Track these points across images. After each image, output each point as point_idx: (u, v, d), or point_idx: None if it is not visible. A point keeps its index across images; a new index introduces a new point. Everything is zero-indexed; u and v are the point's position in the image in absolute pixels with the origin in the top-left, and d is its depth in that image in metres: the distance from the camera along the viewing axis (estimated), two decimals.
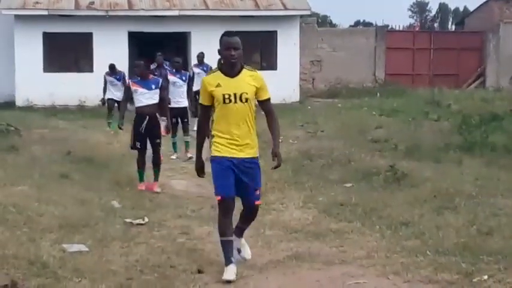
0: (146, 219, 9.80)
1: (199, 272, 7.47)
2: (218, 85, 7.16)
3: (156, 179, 12.70)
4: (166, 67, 22.11)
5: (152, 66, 20.60)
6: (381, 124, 19.79)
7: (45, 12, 28.47)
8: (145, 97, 12.48)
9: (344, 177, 12.94)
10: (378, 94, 30.67)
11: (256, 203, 7.53)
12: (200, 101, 7.36)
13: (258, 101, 7.34)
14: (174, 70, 17.05)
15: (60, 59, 28.97)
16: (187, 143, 16.43)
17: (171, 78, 16.38)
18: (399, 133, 17.64)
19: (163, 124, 12.97)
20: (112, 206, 10.73)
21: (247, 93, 7.16)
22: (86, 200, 10.82)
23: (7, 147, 14.97)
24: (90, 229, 9.07)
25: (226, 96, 7.14)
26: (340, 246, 8.66)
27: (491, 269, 7.34)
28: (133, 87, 12.61)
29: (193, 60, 23.77)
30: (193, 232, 9.30)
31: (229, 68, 7.20)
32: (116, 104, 21.10)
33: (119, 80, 21.72)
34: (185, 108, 16.49)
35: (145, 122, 12.46)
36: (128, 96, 12.96)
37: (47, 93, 27.77)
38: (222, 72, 7.26)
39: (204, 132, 7.52)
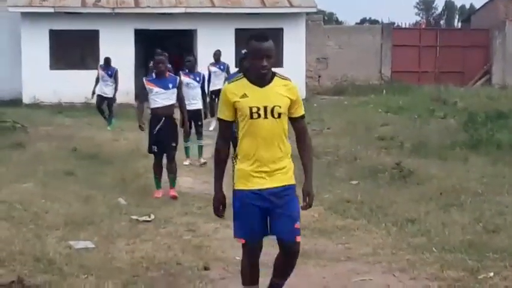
0: (152, 216, 9.80)
1: (206, 269, 7.47)
2: (244, 95, 5.69)
3: (172, 185, 11.73)
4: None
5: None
6: (387, 121, 19.80)
7: (52, 10, 28.49)
8: (162, 97, 11.47)
9: (350, 174, 12.95)
10: (384, 91, 30.62)
11: (297, 239, 5.86)
12: (219, 116, 5.84)
13: (290, 118, 5.81)
14: (186, 70, 15.48)
15: (67, 57, 28.98)
16: (200, 148, 15.30)
17: (184, 79, 14.51)
18: (405, 130, 17.64)
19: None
20: (118, 203, 10.74)
21: (280, 107, 5.67)
22: (91, 197, 10.84)
23: (13, 144, 15.02)
24: (95, 226, 9.09)
25: (254, 110, 5.65)
26: (346, 243, 8.67)
27: (497, 266, 7.34)
28: (148, 86, 11.49)
29: (200, 58, 23.78)
30: (200, 229, 9.30)
31: (258, 78, 5.74)
32: (106, 102, 21.16)
33: (110, 75, 21.05)
34: (199, 110, 15.28)
35: (161, 123, 11.50)
36: (144, 96, 11.83)
37: (53, 90, 27.76)
38: (248, 79, 5.80)
39: (224, 156, 5.90)
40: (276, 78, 5.78)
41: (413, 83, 32.87)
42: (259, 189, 5.71)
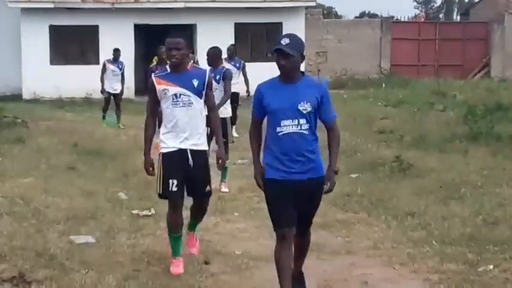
0: (153, 211, 9.80)
1: (206, 263, 7.50)
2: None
3: (193, 228, 7.87)
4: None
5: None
6: (387, 115, 19.81)
7: (51, 5, 28.49)
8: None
9: (350, 168, 12.95)
10: (384, 85, 30.62)
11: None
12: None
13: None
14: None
15: (67, 52, 29.03)
16: (225, 170, 11.10)
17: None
18: (405, 124, 17.66)
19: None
20: (119, 197, 10.74)
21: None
22: (92, 192, 10.83)
23: (14, 139, 15.00)
24: (97, 221, 9.09)
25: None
26: (346, 236, 8.69)
27: (497, 258, 7.37)
28: (161, 86, 7.14)
29: (200, 53, 23.76)
30: (200, 223, 9.31)
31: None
32: (113, 98, 20.19)
33: (120, 69, 20.01)
34: (224, 119, 10.96)
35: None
36: (154, 107, 7.35)
37: (54, 85, 27.79)
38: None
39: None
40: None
41: (412, 76, 32.86)
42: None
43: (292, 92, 5.89)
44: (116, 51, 20.18)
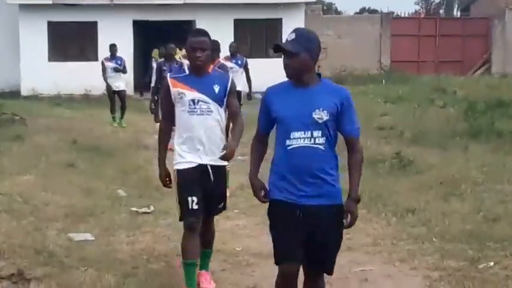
0: (152, 208, 9.80)
1: None
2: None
3: (206, 267, 6.85)
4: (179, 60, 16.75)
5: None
6: (387, 111, 19.79)
7: (50, 2, 28.49)
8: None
9: None
10: (384, 81, 30.62)
11: None
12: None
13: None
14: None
15: (65, 48, 29.03)
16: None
17: None
18: (405, 120, 17.63)
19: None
20: (118, 194, 10.73)
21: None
22: (91, 189, 10.82)
23: (12, 137, 14.98)
24: (96, 218, 9.09)
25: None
26: (346, 233, 8.62)
27: (498, 255, 7.35)
28: (178, 90, 6.25)
29: None
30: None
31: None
32: (117, 95, 19.68)
33: (119, 65, 19.51)
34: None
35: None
36: (168, 112, 6.41)
37: (52, 82, 27.77)
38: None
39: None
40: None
41: (412, 72, 32.89)
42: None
43: (305, 97, 4.89)
44: (113, 47, 19.69)
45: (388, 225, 8.91)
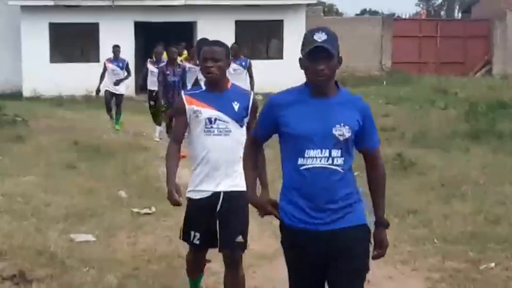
0: (153, 209, 9.78)
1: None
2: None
3: None
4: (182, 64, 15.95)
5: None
6: (388, 112, 19.77)
7: (51, 3, 28.45)
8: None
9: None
10: (385, 82, 30.61)
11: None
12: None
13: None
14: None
15: (67, 50, 29.00)
16: None
17: None
18: (406, 121, 17.63)
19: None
20: (119, 195, 10.72)
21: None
22: (92, 190, 10.82)
23: (14, 138, 15.00)
24: (97, 219, 9.08)
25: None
26: None
27: (499, 256, 7.35)
28: (193, 107, 5.57)
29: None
30: None
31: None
32: (115, 98, 18.81)
33: (121, 68, 18.60)
34: None
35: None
36: (181, 130, 5.69)
37: (54, 83, 27.73)
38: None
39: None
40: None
41: (413, 73, 32.83)
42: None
43: (324, 110, 4.20)
44: (115, 48, 18.94)
45: None
